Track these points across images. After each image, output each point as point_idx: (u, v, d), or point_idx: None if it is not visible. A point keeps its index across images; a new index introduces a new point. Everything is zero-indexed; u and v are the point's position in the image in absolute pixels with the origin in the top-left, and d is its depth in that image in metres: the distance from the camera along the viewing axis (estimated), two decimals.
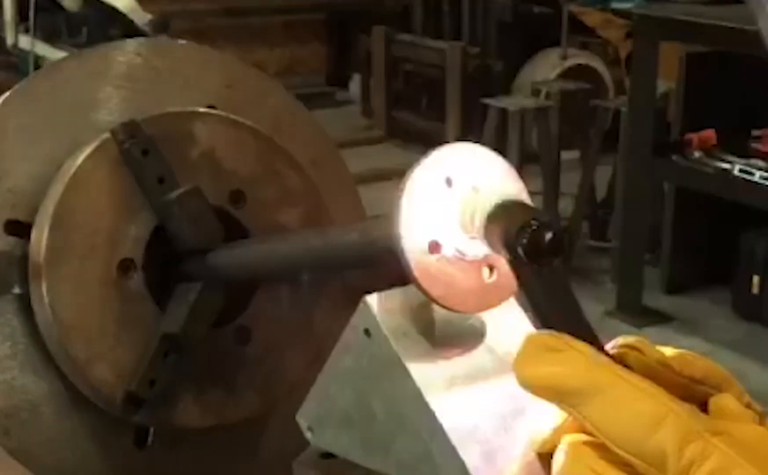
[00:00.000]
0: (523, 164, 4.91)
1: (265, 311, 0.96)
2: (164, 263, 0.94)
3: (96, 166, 0.91)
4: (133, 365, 0.91)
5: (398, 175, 0.67)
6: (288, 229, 0.97)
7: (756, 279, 4.44)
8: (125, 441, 0.96)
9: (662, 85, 4.72)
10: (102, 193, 0.91)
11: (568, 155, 5.73)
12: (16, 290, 0.93)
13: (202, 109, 0.97)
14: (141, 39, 1.03)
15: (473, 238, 0.64)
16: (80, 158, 0.91)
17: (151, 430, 0.96)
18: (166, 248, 0.93)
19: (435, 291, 0.65)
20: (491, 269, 0.66)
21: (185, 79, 1.00)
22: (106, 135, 0.92)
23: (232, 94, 1.01)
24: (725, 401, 0.59)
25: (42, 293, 0.89)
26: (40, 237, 0.90)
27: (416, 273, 0.64)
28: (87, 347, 0.90)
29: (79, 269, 0.90)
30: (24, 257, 0.92)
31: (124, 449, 0.96)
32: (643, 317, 4.55)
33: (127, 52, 0.99)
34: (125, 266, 0.91)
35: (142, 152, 0.91)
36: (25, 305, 0.92)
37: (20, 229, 0.93)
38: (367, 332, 0.70)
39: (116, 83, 0.98)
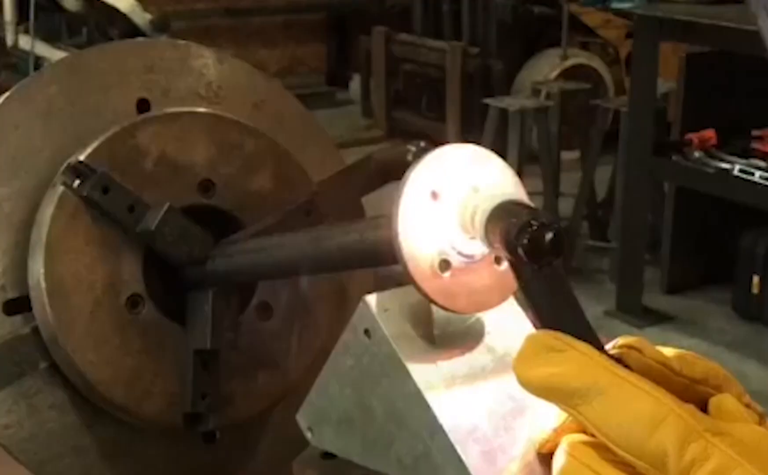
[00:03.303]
0: (523, 164, 4.91)
1: (279, 280, 0.96)
2: (166, 275, 0.94)
3: (64, 225, 0.89)
4: (179, 387, 0.91)
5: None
6: (264, 194, 0.96)
7: (756, 279, 4.44)
8: (195, 441, 0.96)
9: (662, 85, 4.72)
10: (81, 247, 0.89)
11: (568, 155, 5.74)
12: (43, 365, 0.91)
13: (137, 119, 0.94)
14: (49, 65, 0.99)
15: (473, 238, 0.64)
16: (46, 226, 0.89)
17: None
18: (163, 262, 0.93)
19: (456, 304, 0.66)
20: (498, 259, 0.66)
21: (106, 86, 0.97)
22: (61, 189, 0.89)
23: (155, 76, 0.99)
24: (725, 401, 0.59)
25: (68, 361, 0.89)
26: (43, 312, 0.89)
27: (433, 296, 0.65)
28: (130, 392, 0.91)
29: (93, 326, 0.89)
30: (35, 330, 0.91)
31: (195, 450, 0.97)
32: (643, 317, 4.55)
33: (41, 88, 0.94)
34: (133, 302, 0.91)
35: (102, 191, 0.89)
36: (57, 372, 0.91)
37: (18, 305, 0.91)
38: (367, 332, 0.70)
39: (44, 122, 0.93)
